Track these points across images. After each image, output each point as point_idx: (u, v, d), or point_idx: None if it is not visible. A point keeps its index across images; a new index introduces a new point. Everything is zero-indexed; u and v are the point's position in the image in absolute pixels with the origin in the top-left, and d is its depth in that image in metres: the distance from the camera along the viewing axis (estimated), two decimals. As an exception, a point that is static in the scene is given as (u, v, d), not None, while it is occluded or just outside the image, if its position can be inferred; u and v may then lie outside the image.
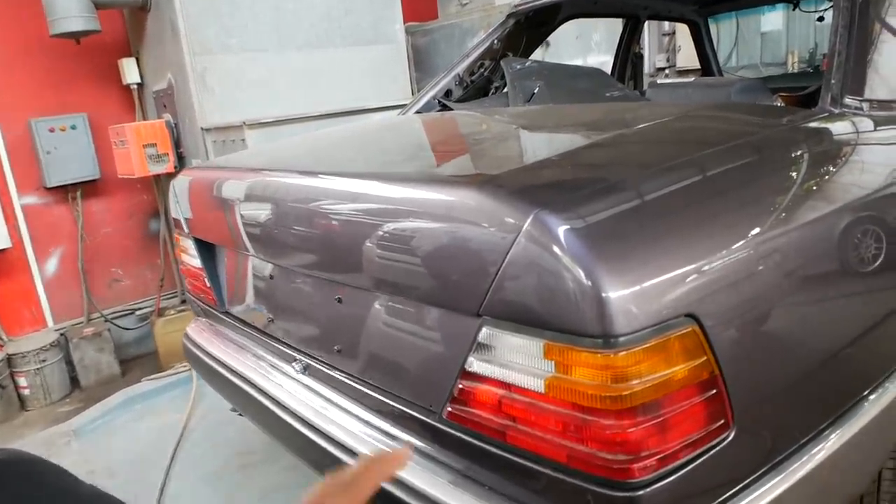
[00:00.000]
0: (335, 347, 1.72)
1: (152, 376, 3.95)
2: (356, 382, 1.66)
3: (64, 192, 4.71)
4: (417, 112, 2.84)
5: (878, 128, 1.48)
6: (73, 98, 4.69)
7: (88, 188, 4.79)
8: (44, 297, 4.73)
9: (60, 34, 4.21)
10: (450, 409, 1.35)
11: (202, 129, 4.22)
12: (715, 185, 1.26)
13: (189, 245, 2.34)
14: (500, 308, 1.18)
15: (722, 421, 1.14)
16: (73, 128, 4.62)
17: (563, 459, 1.15)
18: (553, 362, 1.13)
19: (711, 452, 1.14)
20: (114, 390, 4.10)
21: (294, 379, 1.90)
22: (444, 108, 2.64)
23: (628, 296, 1.05)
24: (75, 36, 4.28)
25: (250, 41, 4.34)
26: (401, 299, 1.44)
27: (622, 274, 1.06)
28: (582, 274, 1.05)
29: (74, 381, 4.66)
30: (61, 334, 4.66)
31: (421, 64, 5.59)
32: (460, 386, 1.31)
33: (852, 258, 1.35)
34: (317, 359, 1.81)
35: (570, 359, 1.11)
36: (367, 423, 1.63)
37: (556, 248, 1.07)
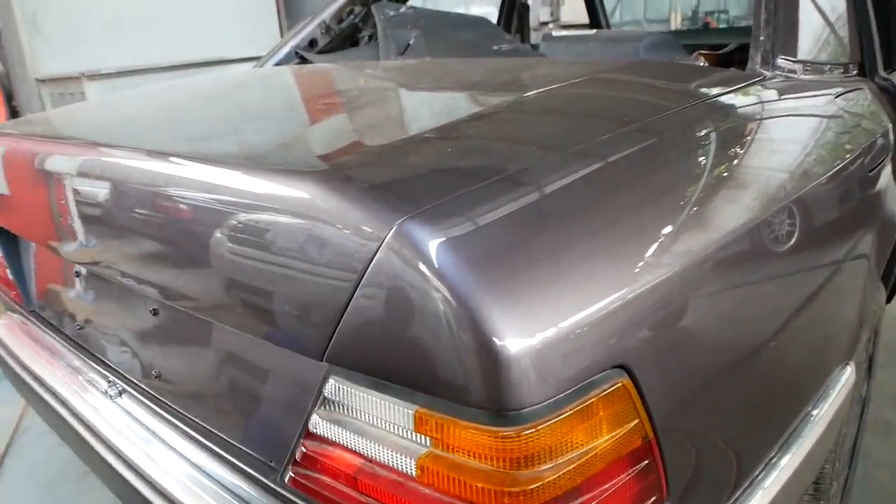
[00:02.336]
0: (153, 371, 1.24)
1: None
2: (181, 418, 1.20)
3: None
4: (277, 64, 2.31)
5: (817, 93, 1.15)
6: None
7: None
8: None
9: None
10: (291, 473, 0.92)
11: (36, 79, 3.45)
12: (649, 178, 0.87)
13: (-17, 226, 1.75)
14: (352, 355, 0.75)
15: (655, 497, 0.79)
16: None
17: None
18: (428, 438, 0.73)
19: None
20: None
21: (111, 402, 1.40)
22: (304, 60, 2.13)
23: (535, 349, 0.65)
24: None
25: (92, -22, 3.57)
26: (229, 325, 0.99)
27: (527, 315, 0.66)
28: (467, 318, 0.64)
29: None
30: None
31: (294, 9, 4.93)
32: (302, 448, 0.88)
33: (800, 263, 1.02)
34: (133, 382, 1.32)
35: (452, 436, 0.71)
36: (197, 467, 1.17)
37: (428, 276, 0.66)
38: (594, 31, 1.63)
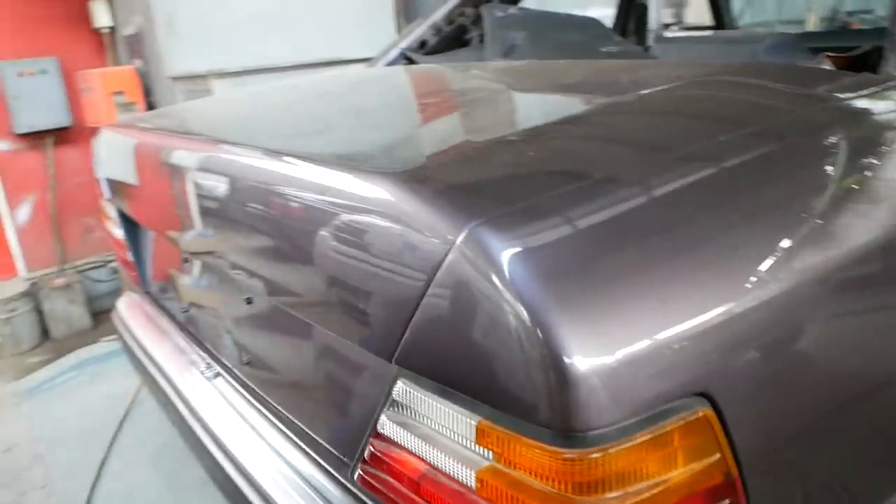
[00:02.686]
0: (244, 357, 1.29)
1: (108, 338, 3.53)
2: (266, 404, 1.23)
3: (35, 138, 4.20)
4: (387, 65, 2.34)
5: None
6: (44, 42, 4.13)
7: (61, 135, 4.28)
8: (15, 245, 4.28)
9: (25, -29, 3.69)
10: (360, 471, 0.92)
11: (170, 77, 3.70)
12: (751, 192, 0.80)
13: (112, 212, 1.89)
14: (420, 359, 0.74)
15: (737, 538, 0.72)
16: (44, 72, 4.08)
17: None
18: (490, 451, 0.70)
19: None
20: (84, 343, 3.72)
21: (208, 383, 1.47)
22: (411, 61, 2.14)
23: (605, 369, 0.61)
24: (41, -26, 3.76)
25: (223, -18, 3.78)
26: (312, 319, 1.00)
27: (599, 333, 0.62)
28: (533, 332, 0.61)
29: (45, 332, 4.25)
30: (32, 284, 4.22)
31: (413, 11, 5.01)
32: (371, 448, 0.88)
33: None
34: (226, 367, 1.38)
35: (513, 452, 0.68)
36: (278, 454, 1.20)
37: (498, 284, 0.63)
38: (709, 31, 1.52)
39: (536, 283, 0.63)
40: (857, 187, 0.87)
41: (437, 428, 0.76)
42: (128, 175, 1.60)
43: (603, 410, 0.62)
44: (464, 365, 0.68)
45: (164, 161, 1.35)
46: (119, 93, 3.86)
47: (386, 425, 0.83)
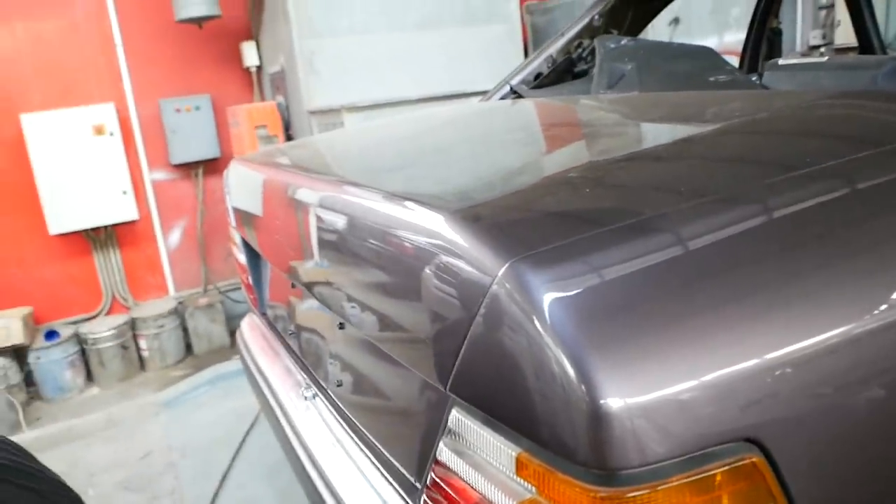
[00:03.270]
0: (336, 380, 1.39)
1: (240, 356, 3.83)
2: (353, 427, 1.31)
3: (187, 169, 4.71)
4: (501, 98, 2.41)
5: None
6: (199, 80, 4.65)
7: (209, 166, 4.76)
8: (167, 267, 4.79)
9: (185, 19, 4.20)
10: (425, 497, 0.97)
11: (308, 111, 4.01)
12: (818, 230, 0.77)
13: (237, 238, 2.09)
14: (469, 389, 0.78)
15: None
16: (198, 108, 4.58)
17: None
18: (529, 484, 0.73)
19: None
20: (223, 359, 4.07)
21: (308, 402, 1.58)
22: (519, 95, 2.20)
23: (640, 408, 0.62)
24: (198, 21, 4.25)
25: (358, 23, 4.06)
26: (385, 345, 1.07)
27: (634, 372, 0.63)
28: (569, 365, 0.63)
29: (188, 348, 4.69)
30: (179, 303, 4.69)
31: (540, 44, 5.10)
32: (432, 474, 0.92)
33: None
34: (322, 388, 1.48)
35: (550, 487, 0.70)
36: (364, 475, 1.28)
37: (534, 319, 0.66)
38: (827, 56, 1.44)
39: (572, 321, 0.65)
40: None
41: (484, 458, 0.79)
42: (248, 205, 1.78)
43: (637, 450, 0.62)
44: (506, 397, 0.71)
45: (273, 193, 1.49)
46: (262, 126, 4.24)
47: (443, 452, 0.87)
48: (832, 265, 0.74)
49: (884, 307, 0.72)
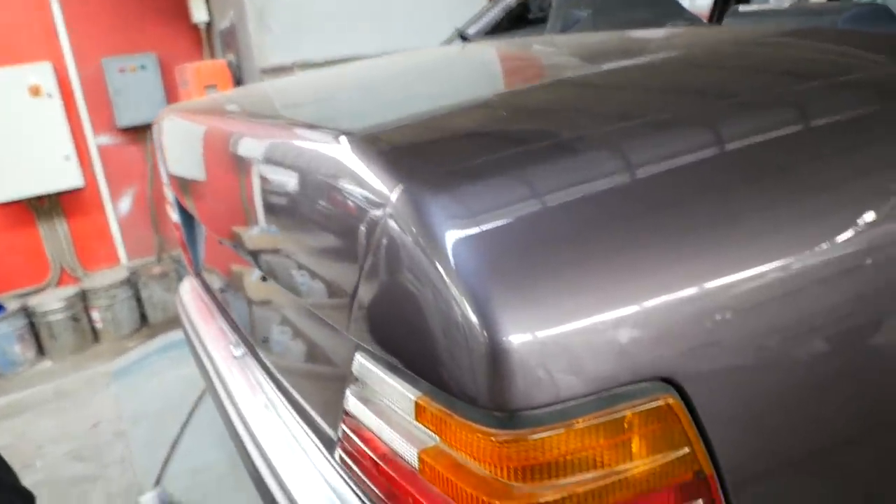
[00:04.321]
0: (262, 336, 1.31)
1: (192, 323, 3.73)
2: (278, 383, 1.25)
3: (135, 132, 4.52)
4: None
5: None
6: (143, 37, 4.44)
7: (159, 129, 4.58)
8: (118, 235, 4.63)
9: (126, -29, 3.98)
10: (340, 451, 0.91)
11: (260, 69, 3.86)
12: (751, 158, 0.71)
13: (169, 195, 1.99)
14: (368, 332, 0.71)
15: (714, 548, 0.64)
16: (143, 68, 4.38)
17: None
18: (427, 430, 0.67)
19: None
20: (176, 328, 3.96)
21: (238, 361, 1.51)
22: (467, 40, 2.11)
23: (541, 342, 0.56)
24: (141, -28, 4.04)
25: (311, -25, 3.89)
26: (297, 293, 1.00)
27: (535, 302, 0.57)
28: (464, 297, 0.57)
29: (143, 318, 4.57)
30: (132, 272, 4.55)
31: None
32: (343, 427, 0.86)
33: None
34: (250, 345, 1.41)
35: (450, 432, 0.64)
36: (292, 433, 1.21)
37: (426, 248, 0.59)
38: (788, 3, 1.38)
39: (468, 251, 0.58)
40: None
41: (388, 405, 0.73)
42: (171, 157, 1.67)
43: (538, 389, 0.56)
44: (402, 336, 0.65)
45: (189, 142, 1.39)
46: (212, 86, 4.07)
47: (349, 401, 0.81)
48: (759, 196, 0.68)
49: (820, 246, 0.67)
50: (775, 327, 0.64)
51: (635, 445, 0.60)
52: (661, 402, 0.59)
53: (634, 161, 0.68)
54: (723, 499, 0.63)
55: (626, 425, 0.59)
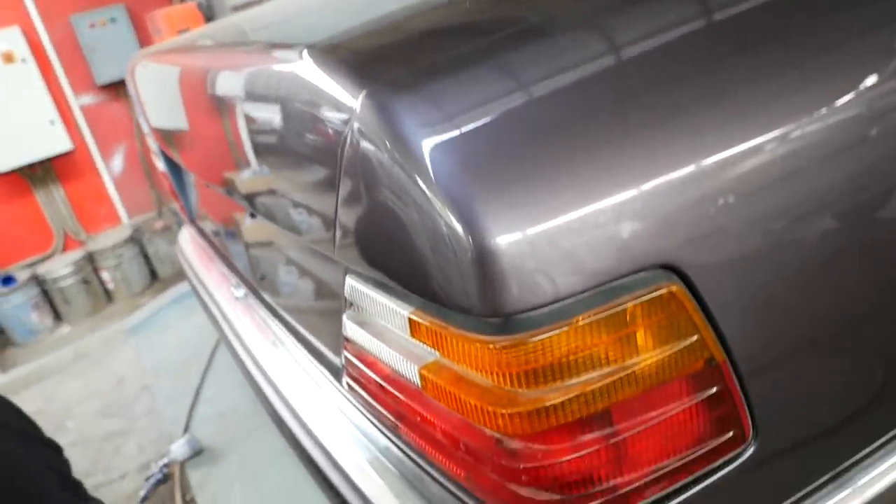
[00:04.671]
0: (259, 274, 1.28)
1: (199, 273, 3.73)
2: (280, 318, 1.23)
3: (116, 88, 4.40)
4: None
5: None
6: (109, -13, 4.26)
7: (140, 82, 4.45)
8: (115, 195, 4.58)
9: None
10: (346, 378, 0.89)
11: (231, 7, 3.71)
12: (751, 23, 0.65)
13: (152, 144, 1.92)
14: (352, 251, 0.68)
15: (733, 433, 0.62)
16: (113, 21, 4.21)
17: (474, 490, 0.68)
18: (425, 346, 0.64)
19: (717, 483, 0.63)
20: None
21: (241, 301, 1.49)
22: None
23: (533, 240, 0.52)
24: (95, -82, 3.83)
25: None
26: (283, 223, 0.96)
27: (522, 198, 0.53)
28: (443, 199, 0.53)
29: (153, 274, 4.57)
30: (135, 230, 4.52)
31: None
32: (346, 353, 0.84)
33: None
34: (249, 284, 1.39)
35: (448, 345, 0.61)
36: (302, 367, 1.20)
37: (399, 153, 0.55)
38: None
39: (443, 150, 0.54)
40: None
41: (383, 325, 0.70)
42: (147, 104, 1.61)
43: (531, 290, 0.53)
44: (387, 253, 0.61)
45: (161, 84, 1.33)
46: (185, 30, 3.92)
47: (347, 326, 0.78)
48: (751, 66, 0.62)
49: (819, 117, 0.61)
50: (778, 203, 0.60)
51: (641, 338, 0.57)
52: (664, 291, 0.56)
53: (612, 40, 0.62)
54: (738, 386, 0.60)
55: (629, 318, 0.56)
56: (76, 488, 1.47)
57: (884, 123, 0.64)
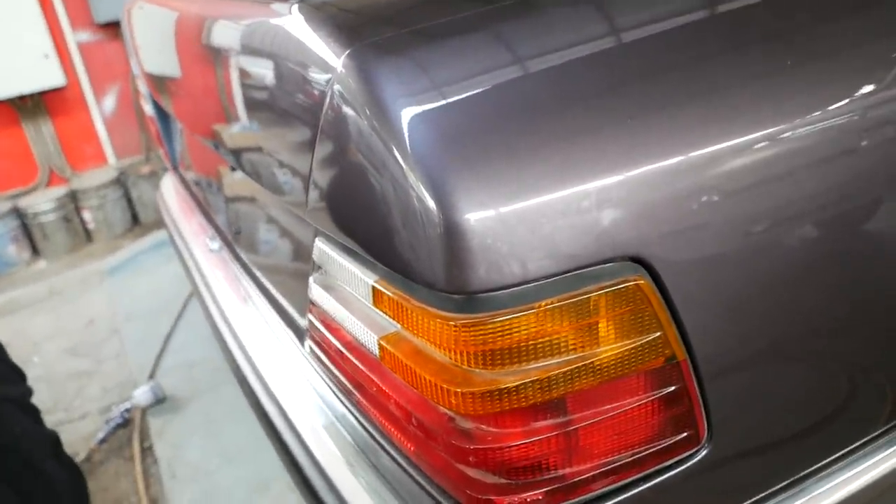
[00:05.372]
0: (234, 228, 1.26)
1: (181, 222, 3.67)
2: (252, 274, 1.20)
3: (115, 28, 4.28)
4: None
5: None
6: (115, -77, 4.13)
7: (139, 24, 4.34)
8: (104, 135, 4.48)
9: None
10: (309, 341, 0.87)
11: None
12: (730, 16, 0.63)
13: (142, 89, 1.87)
14: (322, 214, 0.65)
15: (686, 434, 0.61)
16: (118, -43, 4.10)
17: (423, 467, 0.66)
18: (387, 316, 0.62)
19: (668, 481, 0.62)
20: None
21: (216, 254, 1.46)
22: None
23: (502, 221, 0.50)
24: None
25: None
26: (260, 178, 0.93)
27: (494, 179, 0.51)
28: (417, 172, 0.50)
29: (135, 217, 4.50)
30: (121, 172, 4.44)
31: None
32: (309, 316, 0.82)
33: None
34: (225, 238, 1.36)
35: (410, 317, 0.59)
36: (269, 325, 1.18)
37: (373, 117, 0.52)
38: None
39: (422, 120, 0.51)
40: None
41: (348, 291, 0.68)
42: (141, 47, 1.56)
43: (497, 270, 0.51)
44: (356, 219, 0.59)
45: (154, 28, 1.28)
46: (187, -23, 3.82)
47: (313, 289, 0.76)
48: (741, 66, 0.60)
49: (809, 128, 0.60)
50: (754, 207, 0.58)
51: (603, 329, 0.55)
52: (630, 284, 0.54)
53: (604, 25, 0.60)
54: (697, 387, 0.59)
55: (592, 307, 0.54)
56: (35, 415, 1.46)
57: (866, 137, 0.62)
